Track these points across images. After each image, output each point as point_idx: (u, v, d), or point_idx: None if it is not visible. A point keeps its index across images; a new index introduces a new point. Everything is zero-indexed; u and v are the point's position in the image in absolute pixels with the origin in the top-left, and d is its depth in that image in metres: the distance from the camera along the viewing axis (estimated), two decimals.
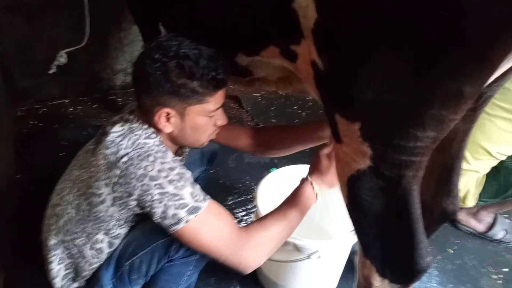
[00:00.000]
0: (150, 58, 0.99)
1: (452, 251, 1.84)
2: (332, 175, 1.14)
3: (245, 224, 1.79)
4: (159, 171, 0.97)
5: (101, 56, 2.58)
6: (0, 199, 1.58)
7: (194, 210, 0.97)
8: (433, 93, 0.66)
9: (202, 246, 1.01)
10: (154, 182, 0.96)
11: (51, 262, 1.15)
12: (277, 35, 0.90)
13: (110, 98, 2.67)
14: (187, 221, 0.97)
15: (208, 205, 1.00)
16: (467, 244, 1.89)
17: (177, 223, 0.97)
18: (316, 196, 1.14)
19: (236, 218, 1.82)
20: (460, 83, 0.64)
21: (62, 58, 2.14)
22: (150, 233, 1.08)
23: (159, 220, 0.98)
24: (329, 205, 1.58)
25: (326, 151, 1.16)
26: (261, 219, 1.09)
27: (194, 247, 1.02)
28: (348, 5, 0.68)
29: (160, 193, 0.96)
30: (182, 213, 0.96)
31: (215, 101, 1.06)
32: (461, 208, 1.94)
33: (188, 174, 1.03)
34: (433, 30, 0.61)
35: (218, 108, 1.09)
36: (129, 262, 1.10)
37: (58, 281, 1.15)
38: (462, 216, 1.96)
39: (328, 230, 1.66)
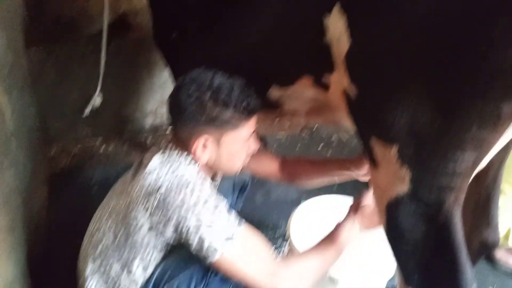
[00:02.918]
0: (185, 92, 1.04)
1: None
2: (371, 216, 1.14)
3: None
4: (196, 201, 0.99)
5: (132, 98, 2.69)
6: (34, 236, 1.61)
7: (229, 241, 0.98)
8: (470, 114, 0.67)
9: (239, 275, 1.01)
10: (191, 212, 0.98)
11: None
12: (310, 66, 0.94)
13: (139, 139, 2.74)
14: (222, 253, 0.97)
15: (244, 234, 1.01)
16: (508, 284, 1.80)
17: (213, 254, 0.97)
18: (353, 238, 1.15)
19: None
20: (497, 104, 0.65)
21: (97, 101, 2.24)
22: (188, 256, 1.07)
23: (195, 252, 0.99)
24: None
25: (368, 193, 1.16)
26: (299, 254, 1.11)
27: (232, 276, 1.02)
28: (381, 33, 0.71)
29: (196, 224, 0.97)
30: (217, 244, 0.97)
31: (248, 126, 1.10)
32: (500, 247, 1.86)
33: (224, 203, 1.04)
34: (467, 52, 0.64)
35: (251, 134, 1.12)
36: (167, 285, 1.09)
37: None
38: (501, 255, 1.88)
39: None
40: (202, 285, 1.10)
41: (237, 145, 1.11)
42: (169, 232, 1.02)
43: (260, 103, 1.10)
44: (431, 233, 0.83)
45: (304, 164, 1.46)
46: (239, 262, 1.00)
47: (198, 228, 0.97)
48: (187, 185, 1.01)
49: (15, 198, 1.41)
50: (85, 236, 1.24)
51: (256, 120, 1.13)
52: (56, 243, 1.81)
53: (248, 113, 1.07)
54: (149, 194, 1.02)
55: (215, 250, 0.97)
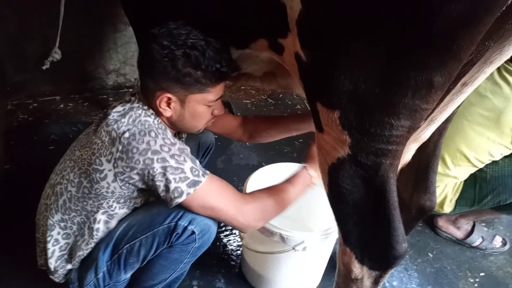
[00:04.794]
0: (158, 44, 1.01)
1: (432, 255, 1.89)
2: None
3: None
4: (162, 146, 1.01)
5: (95, 55, 2.61)
6: None
7: (194, 183, 1.02)
8: (404, 83, 0.71)
9: (208, 212, 1.07)
10: (157, 156, 1.00)
11: (47, 242, 1.16)
12: (266, 28, 0.95)
13: (101, 97, 2.69)
14: (188, 194, 1.01)
15: (209, 177, 1.06)
16: (446, 249, 1.95)
17: (179, 196, 1.01)
18: (312, 181, 1.25)
19: None
20: (429, 74, 0.69)
21: (56, 55, 2.16)
22: (152, 217, 1.11)
23: (162, 193, 1.02)
24: (314, 204, 1.62)
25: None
26: (263, 189, 1.17)
27: (202, 213, 1.08)
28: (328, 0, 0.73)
29: (163, 167, 1.00)
30: (183, 186, 1.01)
31: (215, 92, 1.10)
32: (441, 215, 2.00)
33: (188, 150, 1.07)
34: (402, 25, 0.67)
35: (217, 99, 1.13)
36: (128, 245, 1.11)
37: (52, 262, 1.17)
38: (441, 223, 2.01)
39: (313, 229, 1.70)
40: (163, 248, 1.13)
41: (201, 107, 1.11)
42: (135, 177, 1.03)
43: (231, 71, 1.10)
44: (368, 195, 0.88)
45: (263, 121, 1.52)
46: (206, 200, 1.05)
47: (164, 171, 1.00)
48: (149, 131, 1.02)
49: None
50: (46, 187, 1.23)
51: (224, 86, 1.14)
52: (12, 194, 1.80)
53: (217, 78, 1.07)
54: (112, 142, 1.03)
55: (182, 192, 1.01)
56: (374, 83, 0.74)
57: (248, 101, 3.03)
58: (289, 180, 1.22)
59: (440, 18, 0.63)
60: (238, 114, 2.81)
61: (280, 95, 3.08)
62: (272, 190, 1.17)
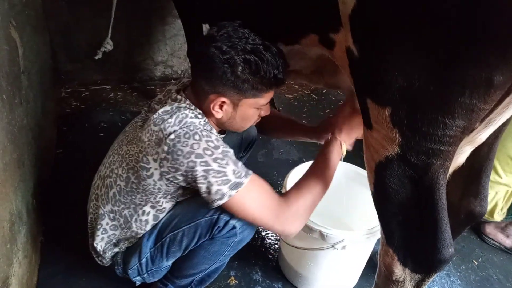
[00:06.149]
0: (219, 49, 1.01)
1: (477, 263, 1.81)
2: (358, 127, 1.18)
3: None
4: (205, 149, 1.02)
5: (144, 47, 2.70)
6: (41, 172, 1.68)
7: (236, 185, 1.02)
8: (462, 81, 0.69)
9: (247, 216, 1.08)
10: (200, 160, 1.01)
11: (97, 230, 1.22)
12: (318, 23, 0.94)
13: (149, 88, 2.77)
14: (230, 196, 1.02)
15: (250, 179, 1.05)
16: (492, 258, 1.85)
17: (221, 198, 1.02)
18: (342, 153, 1.20)
19: None
20: (489, 72, 0.66)
21: (108, 45, 2.25)
22: (196, 209, 1.13)
23: (204, 195, 1.04)
24: (355, 203, 1.59)
25: (350, 105, 1.19)
26: (297, 187, 1.14)
27: (240, 217, 1.09)
28: None
29: (205, 170, 1.01)
30: (225, 189, 1.02)
31: (268, 96, 1.11)
32: (490, 222, 1.91)
33: (231, 153, 1.07)
34: (461, 20, 0.64)
35: (268, 102, 1.15)
36: (171, 234, 1.15)
37: (102, 245, 1.23)
38: (489, 230, 1.92)
39: (352, 228, 1.67)
40: (204, 240, 1.16)
41: (252, 110, 1.13)
42: (180, 178, 1.05)
43: (286, 77, 1.10)
44: (415, 196, 0.86)
45: (274, 122, 1.52)
46: (246, 205, 1.05)
47: (206, 174, 1.01)
48: (194, 134, 1.03)
49: (24, 134, 1.46)
50: (95, 177, 1.28)
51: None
52: (64, 176, 1.90)
53: (273, 84, 1.08)
54: (159, 142, 1.04)
55: (223, 195, 1.02)
56: (429, 80, 0.71)
57: (290, 96, 3.02)
58: (323, 162, 1.16)
59: (501, 12, 0.60)
60: (280, 108, 2.80)
61: (324, 91, 3.04)
62: (308, 185, 1.13)
